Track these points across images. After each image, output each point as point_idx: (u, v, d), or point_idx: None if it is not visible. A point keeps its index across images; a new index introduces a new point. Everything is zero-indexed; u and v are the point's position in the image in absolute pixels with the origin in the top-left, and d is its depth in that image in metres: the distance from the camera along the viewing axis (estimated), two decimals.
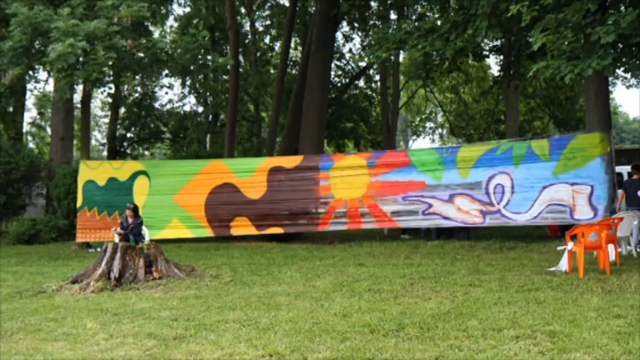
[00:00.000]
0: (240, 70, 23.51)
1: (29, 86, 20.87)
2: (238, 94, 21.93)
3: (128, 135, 27.68)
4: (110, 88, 22.76)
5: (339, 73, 28.16)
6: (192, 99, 34.01)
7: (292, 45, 26.36)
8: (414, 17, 21.79)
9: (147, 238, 11.34)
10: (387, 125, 24.68)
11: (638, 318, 5.43)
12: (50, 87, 18.96)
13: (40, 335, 5.57)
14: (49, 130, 28.36)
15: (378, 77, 27.64)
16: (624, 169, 13.92)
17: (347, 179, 13.67)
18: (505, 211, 12.45)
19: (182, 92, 30.13)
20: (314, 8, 21.38)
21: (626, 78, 21.91)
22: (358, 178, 13.61)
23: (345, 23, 25.77)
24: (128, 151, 27.70)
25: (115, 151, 26.35)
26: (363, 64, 28.15)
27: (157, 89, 27.53)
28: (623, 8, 9.81)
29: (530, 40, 10.51)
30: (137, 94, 26.01)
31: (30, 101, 34.76)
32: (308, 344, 4.95)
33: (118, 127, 26.84)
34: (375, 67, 25.78)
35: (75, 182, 14.84)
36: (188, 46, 14.77)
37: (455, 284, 7.58)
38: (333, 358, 4.59)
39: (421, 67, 13.81)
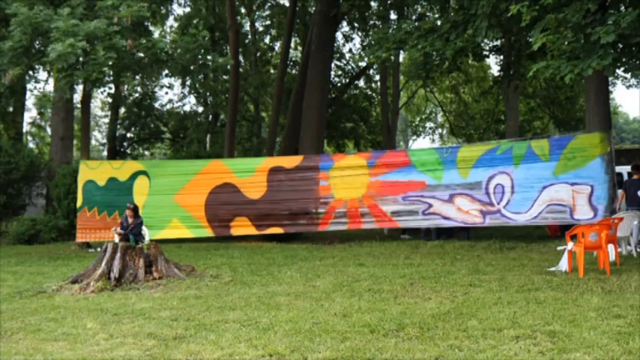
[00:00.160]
0: (240, 70, 23.51)
1: (29, 86, 20.88)
2: (238, 94, 21.93)
3: (128, 135, 27.68)
4: (110, 88, 22.79)
5: (339, 73, 28.16)
6: (192, 99, 34.08)
7: (292, 45, 26.36)
8: (414, 17, 21.79)
9: (147, 238, 11.34)
10: (387, 125, 24.68)
11: (638, 318, 5.43)
12: (50, 87, 18.98)
13: (40, 335, 5.57)
14: (49, 130, 28.37)
15: (378, 77, 27.65)
16: (624, 169, 13.91)
17: (347, 179, 13.67)
18: (505, 211, 12.45)
19: (182, 92, 30.18)
20: (314, 8, 21.38)
21: (626, 78, 21.92)
22: (358, 178, 13.61)
23: (345, 23, 25.77)
24: (128, 151, 27.70)
25: (115, 151, 26.35)
26: (363, 64, 28.16)
27: (157, 89, 27.57)
28: (623, 8, 9.81)
29: (530, 40, 10.51)
30: (137, 94, 26.01)
31: (30, 101, 34.82)
32: (308, 344, 4.95)
33: (118, 127, 26.84)
34: (375, 67, 25.79)
35: (75, 182, 14.84)
36: (188, 46, 14.77)
37: (455, 284, 7.59)
38: (333, 358, 4.59)
39: (421, 67, 13.81)
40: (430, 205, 13.03)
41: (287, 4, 24.18)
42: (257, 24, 28.34)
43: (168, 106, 28.89)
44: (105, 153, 30.53)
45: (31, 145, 31.71)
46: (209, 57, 15.89)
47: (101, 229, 13.82)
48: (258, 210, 14.03)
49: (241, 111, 27.32)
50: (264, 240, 14.14)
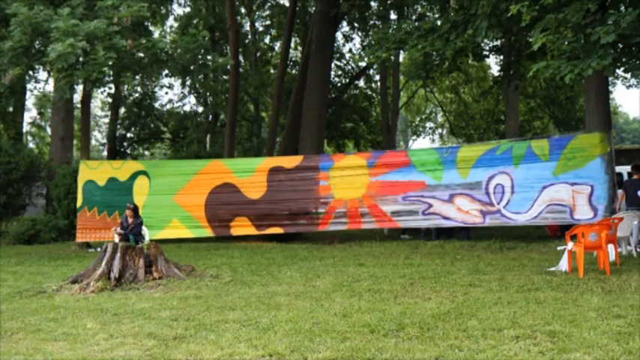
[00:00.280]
0: (240, 70, 23.51)
1: (29, 86, 20.89)
2: (238, 94, 21.93)
3: (128, 135, 27.69)
4: (110, 88, 22.79)
5: (339, 73, 28.16)
6: (192, 99, 34.08)
7: (292, 45, 26.36)
8: (414, 17, 21.79)
9: (147, 238, 11.34)
10: (387, 125, 24.68)
11: (638, 318, 5.43)
12: (50, 87, 18.99)
13: (40, 335, 5.57)
14: (49, 130, 28.37)
15: (378, 77, 27.65)
16: (624, 169, 13.91)
17: (347, 179, 13.67)
18: (505, 211, 12.45)
19: (182, 92, 30.18)
20: (314, 8, 21.38)
21: (626, 78, 21.92)
22: (358, 178, 13.61)
23: (345, 23, 25.78)
24: (128, 151, 27.71)
25: (115, 151, 26.35)
26: (363, 64, 28.16)
27: (157, 89, 27.57)
28: (623, 8, 9.81)
29: (530, 40, 10.51)
30: (137, 94, 26.01)
31: (30, 101, 34.82)
32: (308, 344, 4.95)
33: (118, 127, 26.84)
34: (375, 67, 25.79)
35: (75, 182, 14.84)
36: (188, 46, 14.77)
37: (455, 284, 7.58)
38: (333, 358, 4.59)
39: (421, 67, 13.81)
40: (430, 205, 13.04)
41: (287, 4, 24.19)
42: (257, 24, 28.37)
43: (168, 106, 28.92)
44: (105, 153, 30.54)
45: (31, 145, 31.72)
46: (209, 57, 15.89)
47: (101, 229, 13.82)
48: (258, 210, 14.03)
49: (241, 111, 27.32)
50: (264, 240, 14.14)
